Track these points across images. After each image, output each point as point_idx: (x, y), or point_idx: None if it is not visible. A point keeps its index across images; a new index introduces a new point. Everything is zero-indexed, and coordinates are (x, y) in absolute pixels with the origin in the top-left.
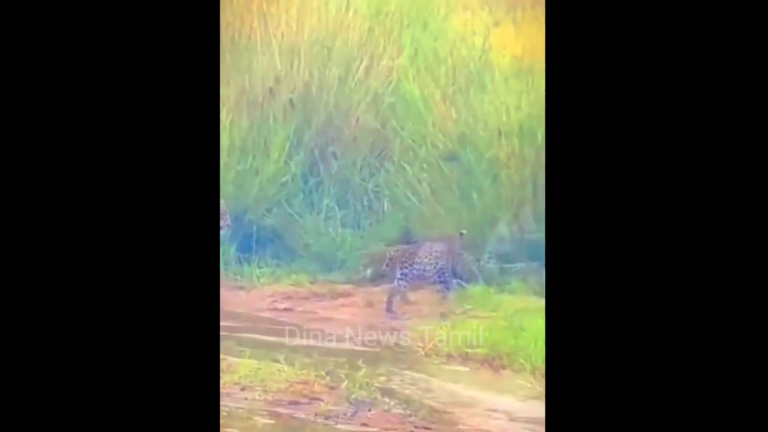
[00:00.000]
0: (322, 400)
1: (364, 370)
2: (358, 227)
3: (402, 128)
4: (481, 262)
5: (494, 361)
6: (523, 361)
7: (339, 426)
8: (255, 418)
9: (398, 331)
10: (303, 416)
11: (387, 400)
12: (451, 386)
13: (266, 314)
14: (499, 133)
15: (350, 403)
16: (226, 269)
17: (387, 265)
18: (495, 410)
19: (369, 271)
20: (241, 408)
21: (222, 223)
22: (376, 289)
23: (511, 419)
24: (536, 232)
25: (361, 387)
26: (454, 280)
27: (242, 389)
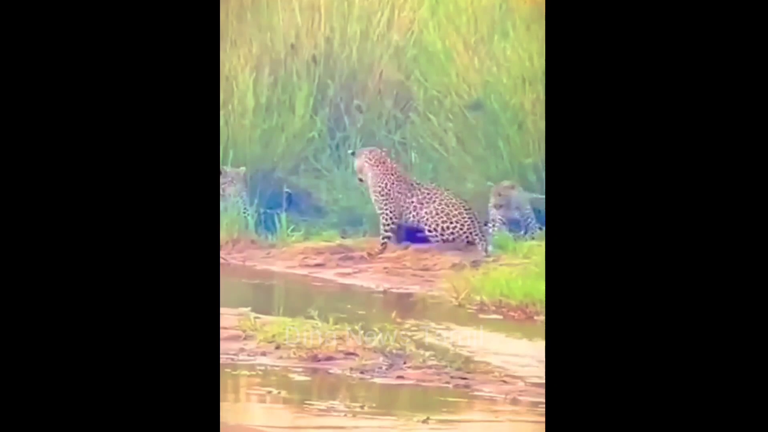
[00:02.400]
0: (356, 354)
1: (397, 322)
2: None
3: (426, 79)
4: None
5: (527, 308)
6: None
7: (375, 380)
8: (290, 375)
9: (431, 281)
10: (339, 372)
11: (422, 352)
12: (486, 335)
13: (298, 271)
14: (523, 81)
15: (385, 356)
16: (256, 228)
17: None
18: (530, 357)
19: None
20: (277, 366)
21: (239, 187)
22: (408, 241)
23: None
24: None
25: (395, 340)
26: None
27: (277, 347)
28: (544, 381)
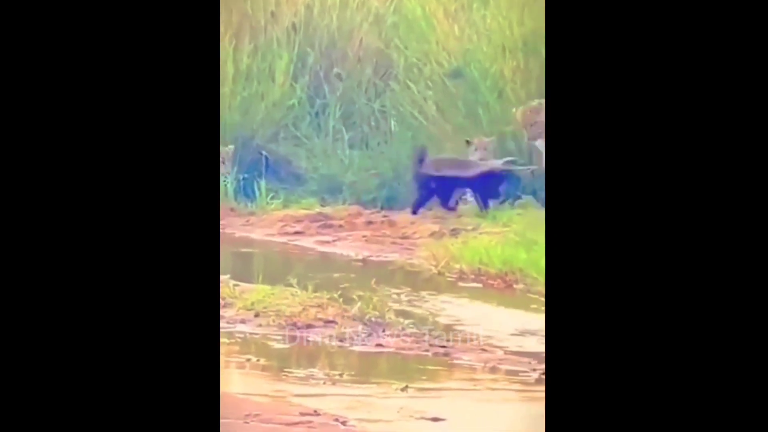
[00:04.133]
0: (336, 322)
1: (376, 290)
2: (366, 148)
3: (405, 47)
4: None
5: (507, 277)
6: (536, 275)
7: (354, 348)
8: (269, 343)
9: (410, 250)
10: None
11: (401, 320)
12: (465, 303)
13: (277, 238)
14: (503, 49)
15: (364, 324)
16: (235, 195)
17: None
18: (509, 325)
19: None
20: (256, 334)
21: (227, 165)
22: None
23: (525, 333)
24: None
25: (374, 308)
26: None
27: (256, 315)
28: (522, 349)
